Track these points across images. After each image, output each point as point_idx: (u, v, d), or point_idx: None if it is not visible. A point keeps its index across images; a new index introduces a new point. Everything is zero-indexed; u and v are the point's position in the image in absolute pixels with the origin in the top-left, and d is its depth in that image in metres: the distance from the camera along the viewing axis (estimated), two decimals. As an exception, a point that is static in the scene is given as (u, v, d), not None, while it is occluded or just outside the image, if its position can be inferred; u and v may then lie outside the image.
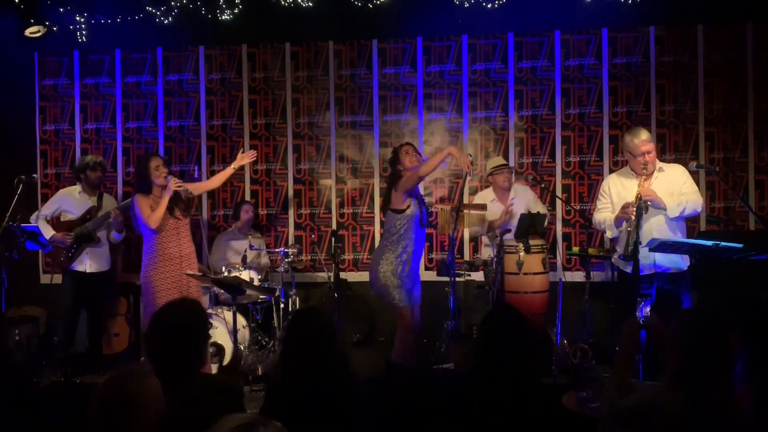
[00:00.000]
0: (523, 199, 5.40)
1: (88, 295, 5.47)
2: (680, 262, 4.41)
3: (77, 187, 5.56)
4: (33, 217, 5.51)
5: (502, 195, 5.40)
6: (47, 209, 5.53)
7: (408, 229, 4.73)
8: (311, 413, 2.43)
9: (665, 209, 4.30)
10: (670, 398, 2.15)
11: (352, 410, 2.47)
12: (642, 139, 4.35)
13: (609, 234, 4.58)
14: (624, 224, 4.37)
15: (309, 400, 2.45)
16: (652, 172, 4.40)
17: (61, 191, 5.67)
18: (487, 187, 5.66)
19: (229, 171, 5.25)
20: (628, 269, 4.40)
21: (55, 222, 5.52)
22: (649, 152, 4.35)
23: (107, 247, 5.57)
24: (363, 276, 6.15)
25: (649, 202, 4.28)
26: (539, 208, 5.38)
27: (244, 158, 5.31)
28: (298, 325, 2.66)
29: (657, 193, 4.29)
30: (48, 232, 5.39)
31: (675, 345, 2.21)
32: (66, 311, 5.45)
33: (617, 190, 4.52)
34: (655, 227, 4.33)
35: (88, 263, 5.42)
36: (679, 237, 4.36)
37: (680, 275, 4.42)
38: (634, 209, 4.22)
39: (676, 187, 4.39)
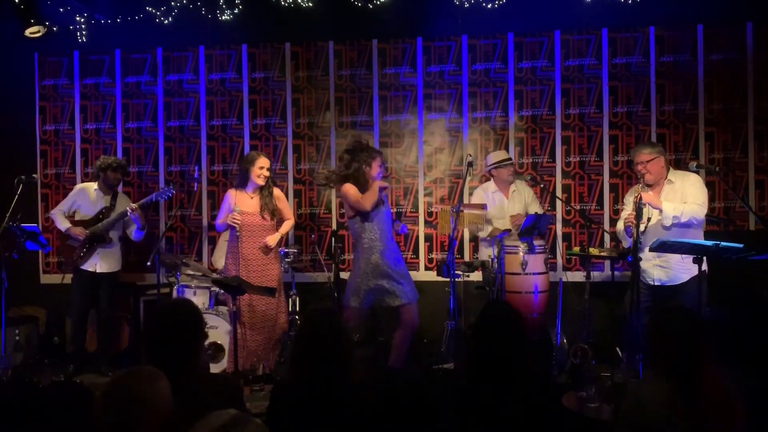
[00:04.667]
0: (522, 196, 5.42)
1: (97, 295, 5.48)
2: (679, 275, 4.45)
3: (94, 184, 5.58)
4: (51, 212, 5.64)
5: (503, 188, 5.42)
6: (65, 204, 5.58)
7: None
8: (318, 412, 2.43)
9: (661, 210, 4.37)
10: (652, 387, 2.38)
11: (355, 409, 2.48)
12: (636, 153, 4.62)
13: (624, 243, 4.63)
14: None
15: (316, 398, 2.45)
16: (652, 185, 4.50)
17: (79, 186, 5.71)
18: (487, 180, 5.65)
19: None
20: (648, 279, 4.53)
21: (70, 220, 5.55)
22: (641, 163, 4.52)
23: (118, 248, 5.59)
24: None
25: (647, 205, 4.33)
26: (537, 207, 5.39)
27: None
28: (312, 325, 2.66)
29: (656, 199, 4.41)
30: (64, 224, 5.46)
31: (652, 340, 2.47)
32: (76, 311, 5.50)
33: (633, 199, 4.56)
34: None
35: (98, 263, 5.43)
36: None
37: (681, 289, 4.42)
38: (633, 213, 4.27)
39: (686, 198, 4.46)
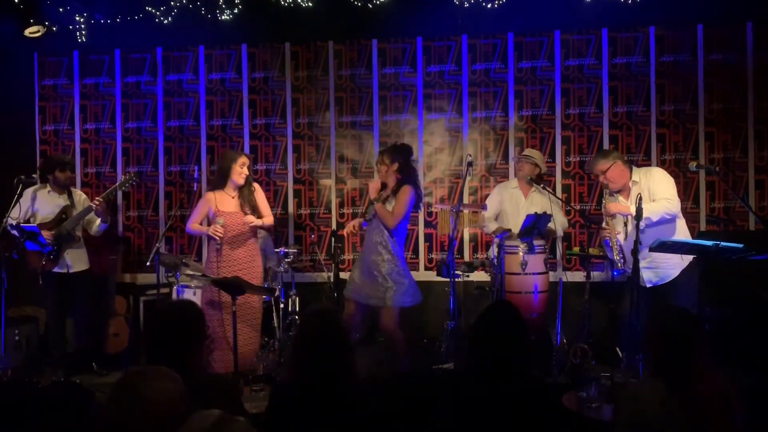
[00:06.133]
0: (541, 200, 5.33)
1: (72, 296, 5.39)
2: (668, 272, 4.43)
3: (46, 187, 5.38)
4: (6, 221, 5.17)
5: (524, 186, 5.38)
6: (16, 211, 5.28)
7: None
8: (317, 412, 2.43)
9: (633, 215, 4.29)
10: (650, 387, 2.42)
11: (355, 410, 2.47)
12: (592, 167, 4.64)
13: (608, 255, 4.62)
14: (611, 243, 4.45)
15: (316, 399, 2.45)
16: (619, 191, 4.50)
17: (29, 190, 5.38)
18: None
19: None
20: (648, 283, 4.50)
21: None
22: (600, 174, 4.52)
23: (84, 246, 5.48)
24: (363, 276, 6.16)
25: (618, 215, 4.39)
26: (557, 214, 5.29)
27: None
28: (312, 324, 2.66)
29: (623, 207, 4.43)
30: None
31: (648, 342, 2.52)
32: (53, 316, 5.38)
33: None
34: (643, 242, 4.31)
35: (70, 264, 5.31)
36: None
37: (674, 286, 4.41)
38: (608, 228, 4.43)
39: (654, 194, 4.43)
